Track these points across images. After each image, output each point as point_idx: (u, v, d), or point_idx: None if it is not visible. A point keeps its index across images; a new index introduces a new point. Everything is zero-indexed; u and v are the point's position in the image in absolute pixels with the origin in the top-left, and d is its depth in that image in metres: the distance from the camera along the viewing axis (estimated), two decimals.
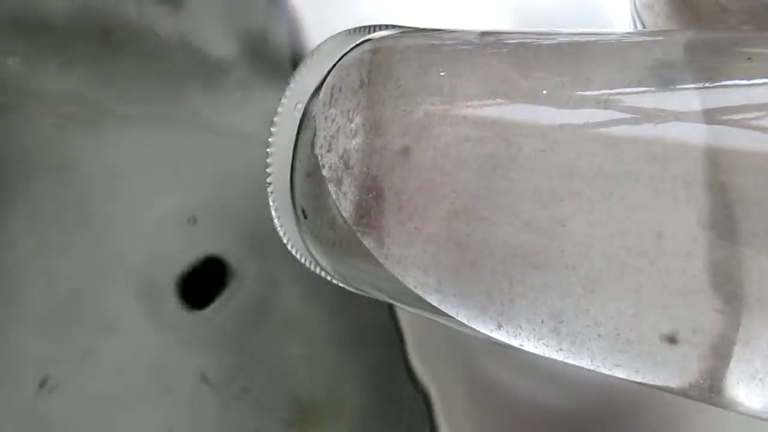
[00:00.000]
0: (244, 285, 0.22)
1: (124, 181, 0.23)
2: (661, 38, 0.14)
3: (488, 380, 0.20)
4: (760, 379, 0.12)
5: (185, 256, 0.23)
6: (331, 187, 0.16)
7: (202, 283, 0.23)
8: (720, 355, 0.12)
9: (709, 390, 0.13)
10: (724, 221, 0.12)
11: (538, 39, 0.15)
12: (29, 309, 0.22)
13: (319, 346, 0.22)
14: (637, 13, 0.19)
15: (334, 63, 0.16)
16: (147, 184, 0.23)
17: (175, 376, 0.22)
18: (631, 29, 0.19)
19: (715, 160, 0.12)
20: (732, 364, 0.12)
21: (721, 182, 0.12)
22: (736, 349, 0.12)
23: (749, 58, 0.14)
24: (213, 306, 0.23)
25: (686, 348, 0.12)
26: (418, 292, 0.15)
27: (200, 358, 0.22)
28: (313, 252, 0.18)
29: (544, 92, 0.14)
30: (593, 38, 0.15)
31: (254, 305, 0.23)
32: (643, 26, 0.19)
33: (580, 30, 0.15)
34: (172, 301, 0.23)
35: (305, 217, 0.17)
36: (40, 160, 0.23)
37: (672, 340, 0.13)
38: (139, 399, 0.22)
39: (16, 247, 0.22)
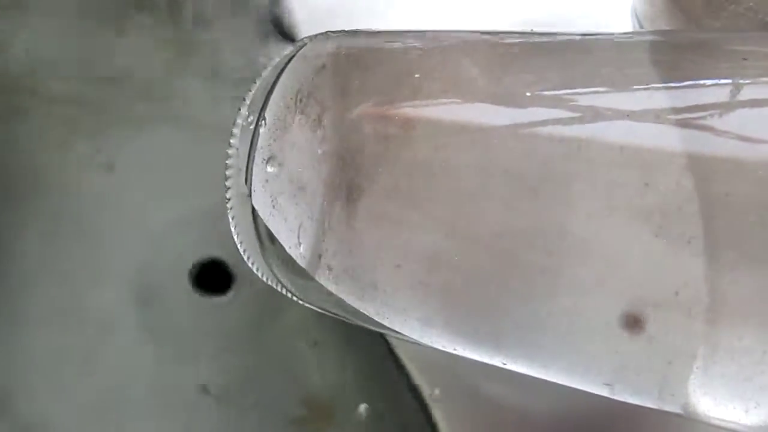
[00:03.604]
0: (249, 287, 0.22)
1: (127, 183, 0.22)
2: (644, 38, 0.13)
3: (486, 388, 0.20)
4: (729, 392, 0.12)
5: (189, 258, 0.22)
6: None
7: (207, 286, 0.22)
8: (684, 366, 0.12)
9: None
10: (692, 233, 0.11)
11: (507, 39, 0.14)
12: (32, 311, 0.21)
13: (327, 347, 0.22)
14: (636, 15, 0.18)
15: (281, 69, 0.14)
16: (149, 186, 0.22)
17: (177, 381, 0.22)
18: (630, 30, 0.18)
19: (697, 166, 0.11)
20: (696, 375, 0.12)
21: (700, 190, 0.11)
22: (700, 360, 0.12)
23: (744, 59, 0.13)
24: (218, 309, 0.22)
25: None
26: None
27: (204, 363, 0.22)
28: (279, 275, 0.17)
29: (504, 91, 0.13)
30: (568, 38, 0.14)
31: (260, 308, 0.22)
32: (641, 27, 0.18)
33: (558, 30, 0.14)
34: (175, 304, 0.22)
35: (271, 242, 0.15)
36: (44, 163, 0.22)
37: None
38: (139, 404, 0.21)
39: (18, 249, 0.21)
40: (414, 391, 0.21)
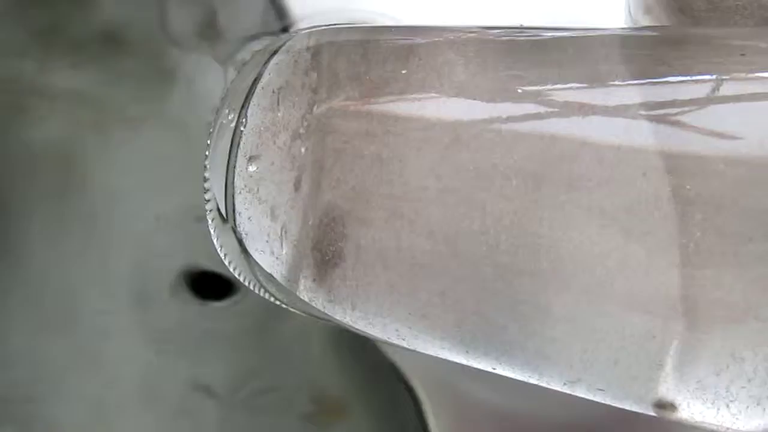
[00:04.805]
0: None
1: (127, 182, 0.22)
2: (634, 34, 0.13)
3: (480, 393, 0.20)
4: (707, 394, 0.12)
5: (192, 259, 0.22)
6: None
7: (208, 287, 0.22)
8: (660, 366, 0.12)
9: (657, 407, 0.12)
10: (667, 233, 0.11)
11: (492, 35, 0.13)
12: (27, 311, 0.21)
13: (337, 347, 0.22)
14: (630, 10, 0.17)
15: (262, 64, 0.14)
16: (150, 186, 0.22)
17: (180, 381, 0.21)
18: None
19: (676, 164, 0.11)
20: (677, 378, 0.12)
21: (676, 189, 0.11)
22: (676, 361, 0.11)
23: (742, 54, 0.13)
24: (219, 308, 0.22)
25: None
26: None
27: (205, 361, 0.22)
28: (263, 281, 0.16)
29: (486, 88, 0.12)
30: (556, 34, 0.13)
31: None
32: (635, 23, 0.17)
33: (547, 26, 0.14)
34: (177, 303, 0.22)
35: (248, 251, 0.15)
36: (46, 162, 0.22)
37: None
38: (134, 404, 0.21)
39: (18, 249, 0.21)
40: (410, 390, 0.21)
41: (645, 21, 0.17)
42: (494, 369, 0.13)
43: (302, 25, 0.16)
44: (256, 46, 0.15)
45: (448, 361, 0.14)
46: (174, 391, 0.21)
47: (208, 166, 0.15)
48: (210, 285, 0.22)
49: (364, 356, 0.22)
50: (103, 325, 0.22)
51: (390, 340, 0.14)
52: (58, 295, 0.22)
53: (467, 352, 0.13)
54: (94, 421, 0.21)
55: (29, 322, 0.21)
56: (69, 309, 0.21)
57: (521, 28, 0.14)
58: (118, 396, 0.21)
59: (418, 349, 0.14)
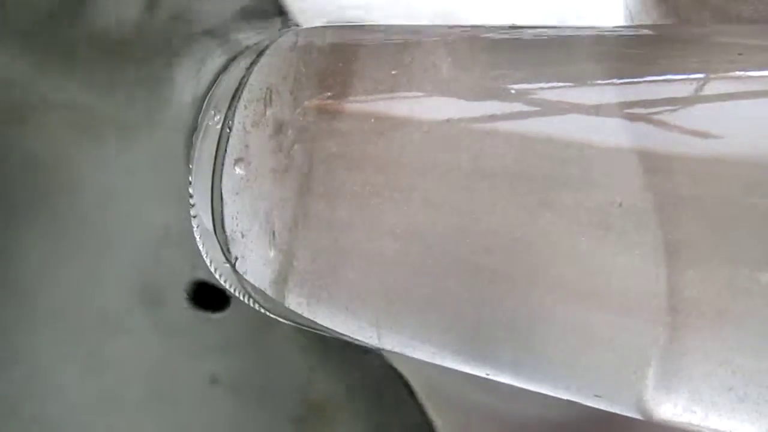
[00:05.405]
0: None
1: (130, 185, 0.22)
2: (628, 33, 0.13)
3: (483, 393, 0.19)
4: (693, 396, 0.11)
5: (195, 261, 0.22)
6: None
7: (212, 288, 0.22)
8: (646, 369, 0.11)
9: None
10: (650, 233, 0.11)
11: (481, 34, 0.13)
12: (34, 313, 0.21)
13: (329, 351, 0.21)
14: (628, 7, 0.17)
15: (249, 65, 0.13)
16: (153, 189, 0.22)
17: (180, 380, 0.21)
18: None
19: (658, 164, 0.11)
20: (664, 382, 0.11)
21: (663, 189, 0.11)
22: (661, 363, 0.11)
23: (740, 53, 0.12)
24: (223, 311, 0.22)
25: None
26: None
27: (208, 362, 0.21)
28: (249, 289, 0.16)
29: (474, 86, 0.12)
30: (548, 33, 0.13)
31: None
32: (632, 20, 0.17)
33: (538, 25, 0.14)
34: (180, 306, 0.21)
35: (234, 258, 0.14)
36: (46, 167, 0.22)
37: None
38: (143, 402, 0.21)
39: (22, 251, 0.21)
40: (412, 393, 0.21)
41: (642, 20, 0.17)
42: (487, 375, 0.13)
43: (293, 22, 0.15)
44: (245, 42, 0.14)
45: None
46: (175, 387, 0.21)
47: (192, 170, 0.15)
48: (207, 291, 0.22)
49: (359, 359, 0.21)
50: (101, 324, 0.21)
51: (375, 345, 0.13)
52: (54, 295, 0.21)
53: (458, 357, 0.13)
54: (96, 417, 0.21)
55: (25, 321, 0.21)
56: (66, 308, 0.21)
57: (512, 27, 0.13)
58: (117, 393, 0.21)
59: (406, 354, 0.13)
